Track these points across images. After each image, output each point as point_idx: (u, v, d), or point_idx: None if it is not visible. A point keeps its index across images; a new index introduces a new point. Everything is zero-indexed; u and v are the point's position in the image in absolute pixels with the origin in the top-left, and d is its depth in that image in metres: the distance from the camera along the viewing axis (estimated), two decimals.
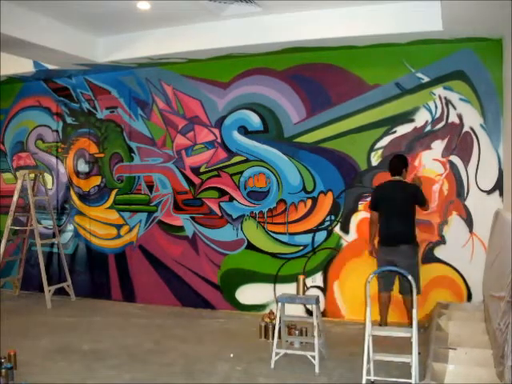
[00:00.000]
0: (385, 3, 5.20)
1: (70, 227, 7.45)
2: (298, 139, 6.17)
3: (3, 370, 3.98)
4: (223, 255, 6.53)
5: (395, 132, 5.80)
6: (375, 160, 5.88)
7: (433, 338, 4.26)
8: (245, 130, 6.42)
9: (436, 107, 5.65)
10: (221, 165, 6.53)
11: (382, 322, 5.27)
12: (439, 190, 5.65)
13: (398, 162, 5.38)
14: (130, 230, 7.05)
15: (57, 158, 7.56)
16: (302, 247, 6.18)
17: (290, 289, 5.63)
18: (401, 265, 4.78)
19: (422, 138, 5.71)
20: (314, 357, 4.32)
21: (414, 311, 3.75)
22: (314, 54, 6.04)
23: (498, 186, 5.42)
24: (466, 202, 5.56)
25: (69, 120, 7.46)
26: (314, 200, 6.13)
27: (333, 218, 6.05)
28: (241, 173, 6.43)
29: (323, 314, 5.86)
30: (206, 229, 6.61)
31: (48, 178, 7.58)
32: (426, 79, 5.67)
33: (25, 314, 6.42)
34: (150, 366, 4.51)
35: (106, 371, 4.37)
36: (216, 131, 6.55)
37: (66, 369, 4.44)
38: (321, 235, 6.10)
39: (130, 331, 5.61)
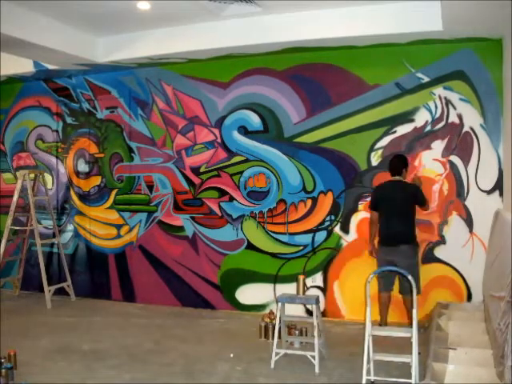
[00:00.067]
0: (385, 3, 5.20)
1: (70, 227, 7.46)
2: (298, 139, 6.17)
3: (3, 370, 3.98)
4: (223, 255, 6.53)
5: (395, 132, 5.80)
6: (375, 160, 5.88)
7: (433, 337, 4.26)
8: (245, 130, 6.42)
9: (436, 107, 5.65)
10: (221, 165, 6.53)
11: (382, 322, 5.27)
12: (439, 190, 5.65)
13: (398, 162, 5.38)
14: (130, 230, 7.05)
15: (57, 158, 7.56)
16: (302, 247, 6.18)
17: (290, 289, 5.63)
18: (401, 265, 4.78)
19: (421, 138, 5.71)
20: (313, 357, 4.32)
21: (414, 311, 3.75)
22: (314, 54, 6.04)
23: (498, 186, 5.42)
24: (466, 202, 5.56)
25: (69, 120, 7.46)
26: (314, 200, 6.13)
27: (333, 217, 6.05)
28: (241, 173, 6.43)
29: (323, 314, 5.86)
30: (206, 229, 6.61)
31: (48, 177, 7.58)
32: (426, 79, 5.67)
33: (25, 313, 6.42)
34: (149, 365, 4.51)
35: (106, 371, 4.37)
36: (216, 131, 6.55)
37: (65, 369, 4.44)
38: (321, 235, 6.10)
39: (130, 331, 5.61)
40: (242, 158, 6.43)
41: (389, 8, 5.21)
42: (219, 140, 6.53)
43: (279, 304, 4.57)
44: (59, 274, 7.37)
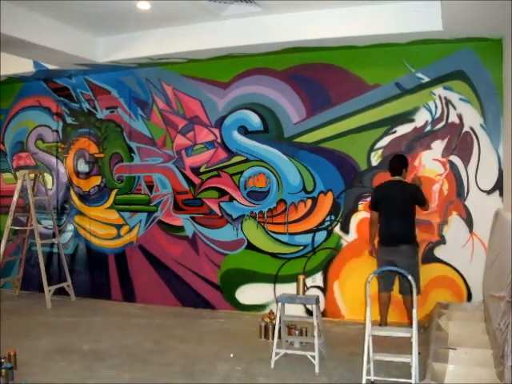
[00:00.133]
0: (385, 3, 5.20)
1: (70, 227, 7.45)
2: (298, 139, 6.17)
3: (3, 370, 3.98)
4: (223, 255, 6.53)
5: (395, 132, 5.80)
6: (375, 160, 5.88)
7: (433, 337, 4.26)
8: (245, 130, 6.42)
9: (436, 107, 5.65)
10: (221, 165, 6.53)
11: (382, 322, 5.27)
12: (439, 189, 5.65)
13: (398, 161, 5.38)
14: (130, 230, 7.05)
15: (57, 158, 7.56)
16: (302, 247, 6.18)
17: (290, 289, 5.63)
18: (401, 265, 4.78)
19: (421, 138, 5.71)
20: (313, 357, 4.32)
21: (414, 311, 3.75)
22: (314, 54, 6.04)
23: (498, 186, 5.42)
24: (466, 202, 5.56)
25: (69, 120, 7.46)
26: (314, 200, 6.13)
27: (333, 217, 6.05)
28: (241, 173, 6.43)
29: (323, 314, 5.86)
30: (206, 229, 6.61)
31: (48, 177, 7.58)
32: (426, 79, 5.67)
33: (25, 313, 6.42)
34: (150, 365, 4.51)
35: (106, 371, 4.37)
36: (216, 131, 6.55)
37: (65, 369, 4.44)
38: (321, 235, 6.10)
39: (130, 331, 5.61)
40: (242, 158, 6.43)
41: (389, 8, 5.21)
42: (219, 140, 6.53)
43: (279, 304, 4.57)
44: (59, 274, 7.37)
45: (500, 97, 5.37)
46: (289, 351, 4.59)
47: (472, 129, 5.53)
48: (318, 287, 6.11)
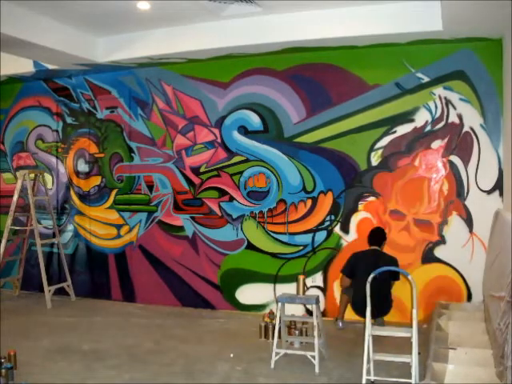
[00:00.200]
0: (384, 3, 5.20)
1: (70, 227, 7.45)
2: (298, 139, 6.17)
3: (3, 370, 3.98)
4: (223, 255, 6.53)
5: (395, 132, 5.80)
6: (375, 160, 5.88)
7: (433, 337, 4.26)
8: (245, 130, 6.42)
9: (436, 107, 5.65)
10: (221, 165, 6.53)
11: (339, 317, 5.52)
12: (439, 189, 5.65)
13: (379, 234, 5.49)
14: (130, 229, 7.05)
15: (57, 158, 7.56)
16: (301, 247, 6.18)
17: (290, 289, 5.64)
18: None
19: (421, 138, 5.71)
20: (313, 357, 4.32)
21: (414, 311, 3.75)
22: (313, 54, 6.04)
23: (498, 186, 5.42)
24: (466, 202, 5.56)
25: (69, 120, 7.46)
26: (314, 200, 6.12)
27: (333, 217, 6.05)
28: (241, 173, 6.43)
29: (323, 314, 5.86)
30: (206, 229, 6.61)
31: (48, 178, 7.58)
32: (426, 79, 5.67)
33: (25, 314, 6.42)
34: (150, 365, 4.51)
35: (106, 371, 4.37)
36: (216, 131, 6.55)
37: (65, 369, 4.44)
38: (321, 235, 6.10)
39: (130, 331, 5.61)
40: (242, 158, 6.43)
41: (389, 8, 5.21)
42: (219, 140, 6.53)
43: (279, 304, 4.57)
44: (59, 274, 7.37)
45: (500, 97, 5.37)
46: (289, 351, 4.59)
47: (472, 129, 5.54)
48: (318, 287, 6.11)
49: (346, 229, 6.01)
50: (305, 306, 6.05)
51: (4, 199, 7.71)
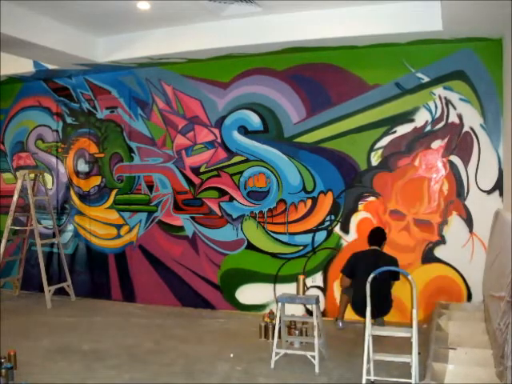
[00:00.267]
0: (385, 3, 5.20)
1: (70, 227, 7.45)
2: (298, 139, 6.17)
3: (3, 370, 3.98)
4: (223, 255, 6.53)
5: (395, 132, 5.80)
6: (375, 160, 5.88)
7: (433, 337, 4.26)
8: (245, 130, 6.42)
9: (436, 107, 5.65)
10: (221, 165, 6.53)
11: (339, 317, 5.51)
12: (439, 189, 5.65)
13: (379, 234, 5.48)
14: (130, 229, 7.05)
15: (57, 158, 7.56)
16: (301, 247, 6.18)
17: (290, 289, 5.64)
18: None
19: (421, 138, 5.71)
20: (314, 357, 4.32)
21: (414, 311, 3.75)
22: (313, 54, 6.04)
23: (498, 186, 5.42)
24: (466, 202, 5.56)
25: (69, 120, 7.46)
26: (314, 200, 6.12)
27: (333, 217, 6.05)
28: (241, 173, 6.43)
29: (323, 313, 5.86)
30: (206, 229, 6.61)
31: (48, 178, 7.58)
32: (426, 79, 5.67)
33: (25, 313, 6.42)
34: (150, 365, 4.51)
35: (106, 371, 4.37)
36: (216, 131, 6.55)
37: (65, 369, 4.44)
38: (321, 235, 6.10)
39: (130, 331, 5.61)
40: (242, 158, 6.43)
41: (389, 8, 5.21)
42: (219, 140, 6.53)
43: (279, 304, 4.57)
44: (59, 274, 7.37)
45: (500, 97, 5.37)
46: (289, 351, 4.59)
47: (472, 129, 5.54)
48: (318, 287, 6.11)
49: (345, 229, 6.01)
50: (305, 306, 6.05)
51: (4, 199, 7.71)
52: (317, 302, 4.54)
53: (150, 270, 6.90)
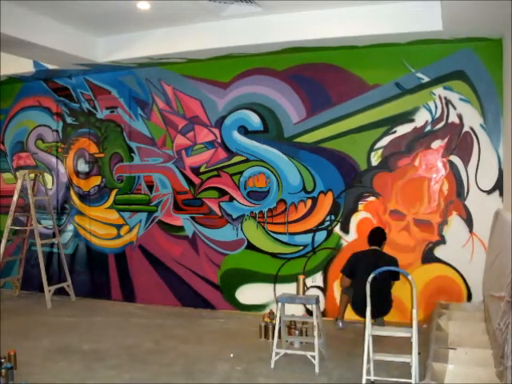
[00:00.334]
0: (385, 3, 5.20)
1: (70, 227, 7.45)
2: (298, 139, 6.17)
3: (3, 370, 3.98)
4: (223, 255, 6.53)
5: (395, 132, 5.80)
6: (375, 160, 5.88)
7: (433, 337, 4.26)
8: (245, 130, 6.42)
9: (436, 107, 5.65)
10: (221, 165, 6.53)
11: (339, 317, 5.51)
12: (439, 189, 5.65)
13: (379, 234, 5.48)
14: (130, 229, 7.05)
15: (57, 158, 7.56)
16: (301, 247, 6.18)
17: (290, 289, 5.64)
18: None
19: (421, 138, 5.71)
20: (314, 357, 4.32)
21: (414, 311, 3.75)
22: (313, 54, 6.04)
23: (498, 186, 5.42)
24: (466, 202, 5.56)
25: (69, 120, 7.46)
26: (314, 200, 6.12)
27: (333, 217, 6.05)
28: (241, 173, 6.43)
29: (323, 313, 5.86)
30: (206, 229, 6.61)
31: (48, 178, 7.58)
32: (426, 79, 5.67)
33: (25, 313, 6.42)
34: (150, 365, 4.51)
35: (106, 371, 4.37)
36: (216, 131, 6.55)
37: (65, 369, 4.44)
38: (321, 235, 6.10)
39: (130, 331, 5.61)
40: (242, 158, 6.43)
41: (389, 8, 5.21)
42: (219, 140, 6.53)
43: (279, 304, 4.57)
44: (59, 274, 7.37)
45: (500, 97, 5.37)
46: (289, 351, 4.59)
47: (472, 129, 5.54)
48: (318, 287, 6.12)
49: (345, 229, 6.01)
50: (305, 305, 6.05)
51: (4, 199, 7.71)
52: (317, 301, 4.54)
53: (150, 270, 6.90)
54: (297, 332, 5.11)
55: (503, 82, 5.28)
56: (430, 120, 5.67)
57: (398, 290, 5.47)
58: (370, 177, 5.90)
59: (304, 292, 4.64)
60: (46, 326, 5.80)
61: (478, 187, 5.51)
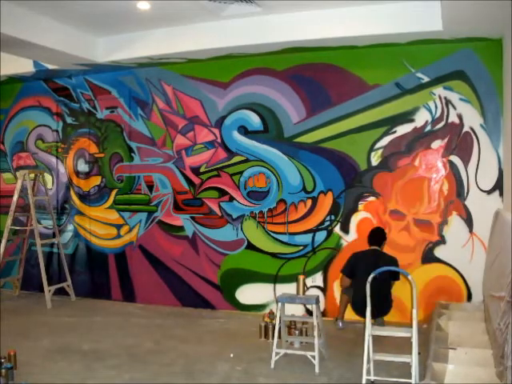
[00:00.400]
0: (385, 3, 5.20)
1: (70, 227, 7.45)
2: (298, 139, 6.17)
3: (3, 370, 3.98)
4: (223, 255, 6.53)
5: (395, 132, 5.80)
6: (375, 160, 5.88)
7: (433, 337, 4.26)
8: (245, 130, 6.42)
9: (436, 107, 5.65)
10: (221, 165, 6.53)
11: (339, 318, 5.51)
12: (439, 189, 5.65)
13: (379, 234, 5.48)
14: (130, 229, 7.05)
15: (57, 158, 7.56)
16: (301, 247, 6.18)
17: (290, 289, 5.64)
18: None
19: (421, 138, 5.71)
20: (314, 357, 4.32)
21: (414, 311, 3.75)
22: (313, 54, 6.04)
23: (498, 186, 5.42)
24: (466, 202, 5.56)
25: (69, 120, 7.46)
26: (314, 200, 6.12)
27: (333, 217, 6.05)
28: (241, 173, 6.43)
29: (323, 313, 5.85)
30: (206, 229, 6.61)
31: (48, 178, 7.58)
32: (426, 79, 5.67)
33: (25, 313, 6.42)
34: (150, 365, 4.51)
35: (106, 371, 4.37)
36: (216, 131, 6.55)
37: (65, 369, 4.44)
38: (321, 235, 6.10)
39: (130, 331, 5.61)
40: (242, 158, 6.43)
41: (389, 8, 5.21)
42: (219, 140, 6.53)
43: (279, 304, 4.57)
44: (59, 274, 7.37)
45: (500, 97, 5.37)
46: (289, 351, 4.59)
47: (472, 129, 5.53)
48: (318, 287, 6.11)
49: (346, 229, 6.01)
50: (305, 305, 6.05)
51: (4, 199, 7.71)
52: (317, 302, 4.54)
53: (150, 270, 6.90)
54: (297, 332, 5.11)
55: (503, 82, 5.28)
56: (429, 120, 5.67)
57: (398, 290, 5.47)
58: (370, 177, 5.90)
59: (304, 292, 4.64)
60: (45, 326, 5.80)
61: (478, 187, 5.51)
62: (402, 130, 5.77)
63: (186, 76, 6.69)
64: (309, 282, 6.02)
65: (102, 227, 7.24)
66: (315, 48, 5.89)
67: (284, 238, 6.25)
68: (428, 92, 5.67)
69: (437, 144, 5.65)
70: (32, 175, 7.19)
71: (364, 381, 3.75)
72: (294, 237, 6.21)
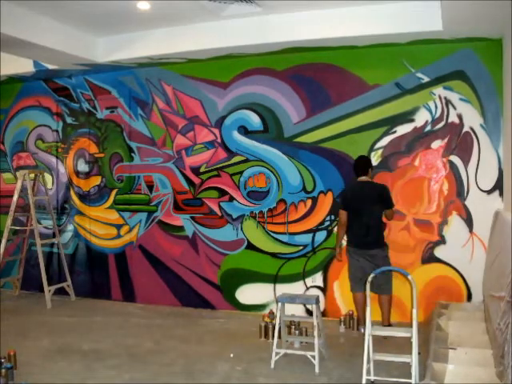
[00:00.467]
0: (385, 3, 5.20)
1: (70, 227, 7.45)
2: (298, 139, 6.17)
3: (3, 370, 3.98)
4: (223, 255, 6.53)
5: (395, 132, 5.80)
6: (375, 160, 5.87)
7: (433, 337, 4.26)
8: (245, 130, 6.42)
9: (436, 107, 5.65)
10: (221, 165, 6.53)
11: (361, 323, 5.28)
12: (439, 189, 5.65)
13: (363, 162, 5.43)
14: (130, 229, 7.05)
15: (57, 157, 7.56)
16: (301, 247, 6.18)
17: (290, 289, 5.64)
18: (378, 266, 4.83)
19: (421, 138, 5.71)
20: (314, 357, 4.33)
21: (414, 311, 3.75)
22: (313, 54, 6.04)
23: (498, 186, 5.42)
24: (466, 202, 5.56)
25: (69, 120, 7.46)
26: (314, 200, 6.13)
27: (333, 217, 6.05)
28: (241, 173, 6.43)
29: (323, 313, 5.86)
30: (206, 229, 6.61)
31: (48, 177, 7.58)
32: (426, 79, 5.67)
33: (25, 313, 6.42)
34: (150, 366, 4.51)
35: (106, 371, 4.37)
36: (216, 131, 6.55)
37: (65, 369, 4.44)
38: (321, 235, 6.10)
39: (130, 331, 5.61)
40: (242, 158, 6.43)
41: (389, 8, 5.22)
42: (219, 140, 6.53)
43: (279, 304, 4.58)
44: (59, 274, 7.37)
45: (500, 97, 5.37)
46: (289, 351, 4.59)
47: (472, 129, 5.54)
48: (318, 287, 6.12)
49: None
50: (305, 305, 6.05)
51: (4, 199, 7.71)
52: (317, 302, 4.54)
53: (150, 270, 6.90)
54: (297, 332, 5.11)
55: (503, 82, 5.28)
56: (429, 120, 5.68)
57: (398, 290, 5.46)
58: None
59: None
60: (45, 326, 5.80)
61: (478, 187, 5.51)
62: (402, 130, 5.77)
63: (186, 76, 6.69)
64: (309, 281, 6.03)
65: (101, 227, 7.24)
66: (315, 48, 5.89)
67: (284, 238, 6.25)
68: (428, 92, 5.67)
69: (437, 144, 5.65)
70: (32, 175, 7.19)
71: (364, 381, 3.75)
72: (293, 237, 6.21)
